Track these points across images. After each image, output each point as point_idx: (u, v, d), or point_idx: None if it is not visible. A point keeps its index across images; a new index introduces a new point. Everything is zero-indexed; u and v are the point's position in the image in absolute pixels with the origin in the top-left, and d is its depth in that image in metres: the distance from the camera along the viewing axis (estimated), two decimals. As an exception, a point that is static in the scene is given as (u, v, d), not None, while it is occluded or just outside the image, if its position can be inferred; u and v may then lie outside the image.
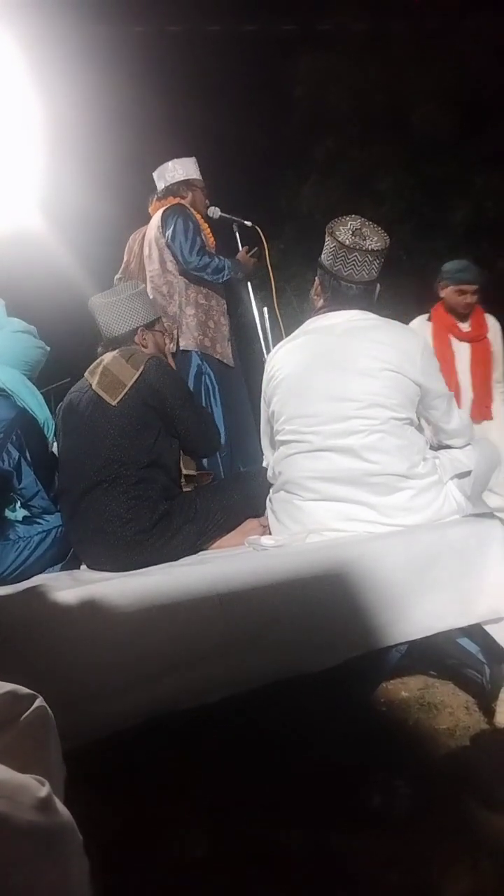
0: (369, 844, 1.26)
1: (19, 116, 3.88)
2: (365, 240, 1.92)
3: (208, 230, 3.35)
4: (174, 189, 3.35)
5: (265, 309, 3.63)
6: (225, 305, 3.39)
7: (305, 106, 10.32)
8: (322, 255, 2.00)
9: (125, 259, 3.50)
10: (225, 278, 3.26)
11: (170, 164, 3.40)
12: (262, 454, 2.31)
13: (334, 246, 1.94)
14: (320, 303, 2.03)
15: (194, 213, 3.27)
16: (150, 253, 3.34)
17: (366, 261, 1.92)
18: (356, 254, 1.91)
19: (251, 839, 1.29)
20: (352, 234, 1.92)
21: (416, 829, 1.29)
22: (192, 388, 3.03)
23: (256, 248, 3.44)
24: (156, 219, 3.31)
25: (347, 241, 1.91)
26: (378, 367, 1.84)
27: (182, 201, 3.30)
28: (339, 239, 1.92)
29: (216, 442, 2.30)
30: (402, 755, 1.57)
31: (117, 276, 3.46)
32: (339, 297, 1.98)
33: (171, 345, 3.11)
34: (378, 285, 2.02)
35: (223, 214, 3.42)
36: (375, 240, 1.92)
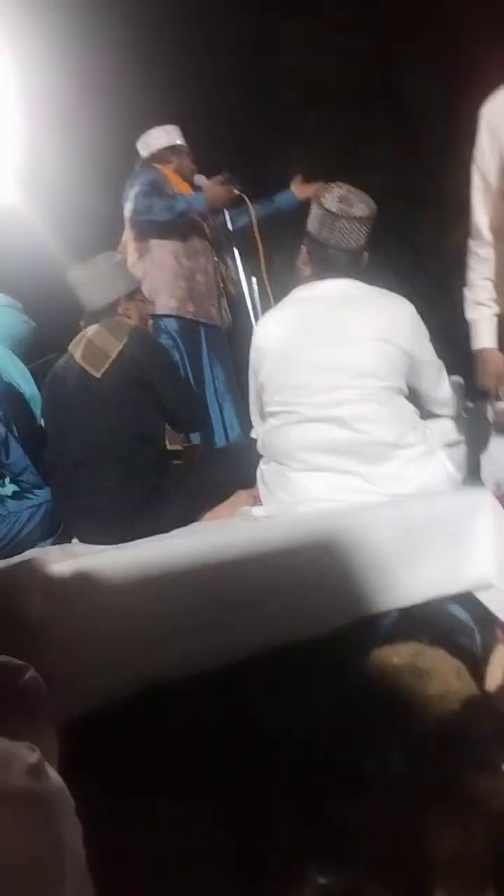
0: (361, 808, 1.28)
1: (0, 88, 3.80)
2: (352, 206, 1.88)
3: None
4: (159, 156, 3.26)
5: (253, 279, 3.58)
6: (206, 264, 3.27)
7: (294, 73, 10.15)
8: (308, 223, 1.96)
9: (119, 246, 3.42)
10: (178, 213, 3.07)
11: (153, 130, 3.31)
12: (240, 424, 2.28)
13: (321, 213, 1.90)
14: (307, 272, 2.00)
15: (173, 177, 3.18)
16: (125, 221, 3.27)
17: (353, 228, 1.89)
18: (343, 221, 1.87)
19: (243, 804, 1.31)
20: (338, 201, 1.88)
21: (407, 792, 1.31)
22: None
23: (228, 174, 3.22)
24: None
25: (334, 209, 1.87)
26: (367, 335, 1.82)
27: (165, 168, 3.22)
28: (326, 206, 1.88)
29: (201, 416, 2.28)
30: (394, 720, 1.59)
31: None
32: (327, 266, 1.94)
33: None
34: (366, 253, 1.99)
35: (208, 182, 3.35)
36: (362, 206, 1.89)
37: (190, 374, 3.09)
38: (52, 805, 0.63)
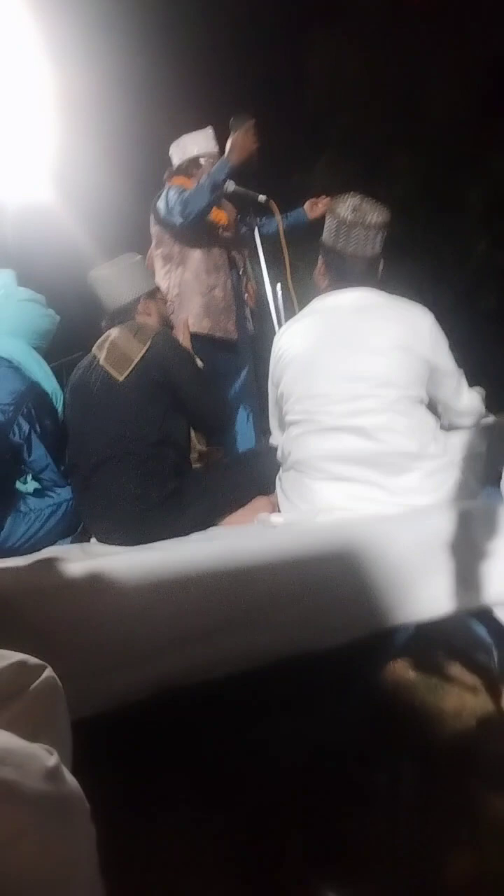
0: (373, 824, 1.26)
1: (29, 86, 3.84)
2: (366, 214, 1.88)
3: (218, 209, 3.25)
4: (183, 168, 3.27)
5: (278, 285, 3.58)
6: (226, 280, 3.27)
7: (320, 81, 10.17)
8: (324, 235, 1.98)
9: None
10: (218, 184, 2.92)
11: (181, 139, 3.32)
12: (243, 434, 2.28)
13: (336, 223, 1.91)
14: (325, 283, 2.01)
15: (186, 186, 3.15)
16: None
17: (368, 235, 1.90)
18: (358, 229, 1.88)
19: (254, 817, 1.30)
20: (352, 210, 1.89)
21: (421, 810, 1.30)
22: None
23: (236, 116, 2.95)
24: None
25: (349, 218, 1.88)
26: (387, 344, 1.82)
27: (188, 181, 3.20)
28: (341, 216, 1.89)
29: (224, 419, 2.28)
30: (409, 736, 1.58)
31: None
32: (345, 275, 1.95)
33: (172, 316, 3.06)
34: (382, 260, 1.99)
35: (237, 188, 3.35)
36: (376, 213, 1.89)
37: None
38: (68, 809, 0.63)
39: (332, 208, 1.93)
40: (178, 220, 3.03)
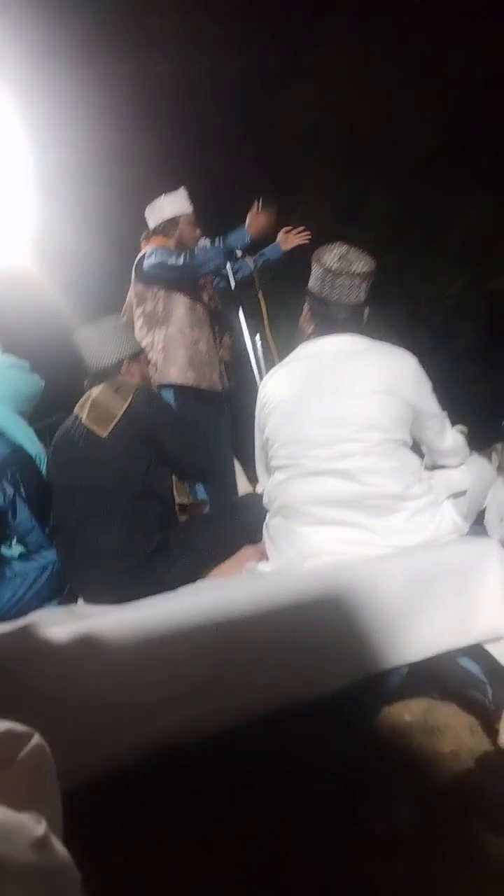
0: (373, 870, 1.24)
1: (11, 156, 3.95)
2: (351, 264, 1.94)
3: None
4: (160, 229, 3.37)
5: (257, 336, 3.65)
6: (209, 333, 3.36)
7: (292, 135, 10.49)
8: (310, 283, 2.02)
9: (125, 305, 3.53)
10: (230, 251, 3.17)
11: (157, 201, 3.42)
12: (239, 482, 2.31)
13: (321, 272, 1.97)
14: (310, 329, 2.05)
15: (168, 246, 3.27)
16: (131, 296, 3.38)
17: (353, 284, 1.95)
18: (343, 277, 1.94)
19: (255, 866, 1.28)
20: (338, 260, 1.95)
21: (420, 853, 1.28)
22: None
23: (263, 199, 3.24)
24: (135, 263, 3.35)
25: (334, 266, 1.94)
26: (371, 389, 1.85)
27: (166, 240, 3.31)
28: (326, 265, 1.95)
29: (205, 468, 2.30)
30: (406, 779, 1.56)
31: None
32: (329, 322, 1.99)
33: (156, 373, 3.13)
34: (367, 308, 2.04)
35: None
36: (362, 263, 1.95)
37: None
38: (58, 880, 0.63)
39: (318, 257, 1.98)
40: (184, 272, 3.14)
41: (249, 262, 3.48)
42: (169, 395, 3.17)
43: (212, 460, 3.12)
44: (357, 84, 9.87)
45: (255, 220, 3.18)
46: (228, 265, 3.40)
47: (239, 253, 3.27)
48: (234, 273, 3.50)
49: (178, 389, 3.20)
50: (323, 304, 1.99)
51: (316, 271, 2.00)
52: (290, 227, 3.54)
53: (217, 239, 3.25)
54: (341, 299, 1.96)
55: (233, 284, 3.50)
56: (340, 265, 1.94)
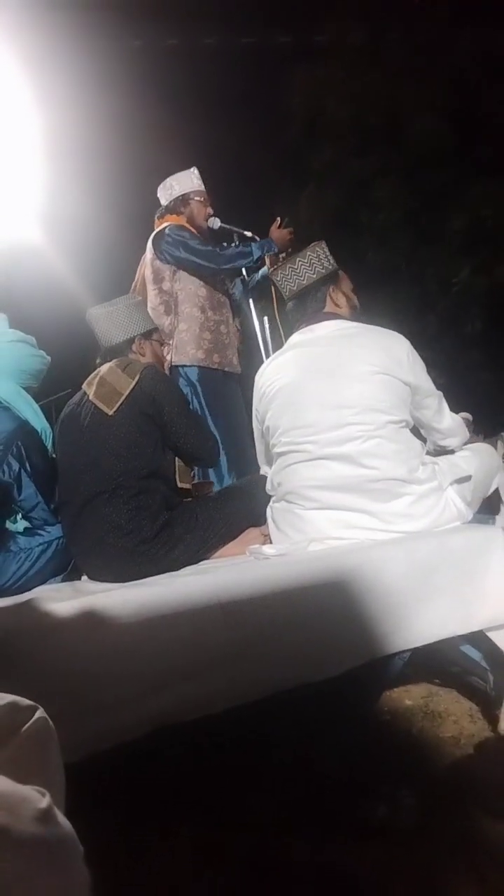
0: (374, 856, 1.25)
1: (20, 132, 3.92)
2: (293, 257, 2.13)
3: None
4: (171, 207, 3.41)
5: (265, 318, 3.64)
6: (228, 315, 3.42)
7: (303, 116, 10.39)
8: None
9: (134, 281, 3.53)
10: (256, 259, 3.31)
11: (168, 180, 3.45)
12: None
13: (278, 280, 2.15)
14: (299, 324, 2.12)
15: (188, 227, 3.32)
16: (147, 273, 3.39)
17: (301, 265, 2.09)
18: (288, 267, 2.12)
19: (254, 851, 1.28)
20: (280, 265, 2.17)
21: (420, 839, 1.28)
22: None
23: (287, 218, 3.46)
24: (150, 241, 3.37)
25: (279, 269, 2.15)
26: (368, 370, 1.85)
27: (179, 218, 3.35)
28: (277, 275, 2.15)
29: (214, 451, 2.29)
30: (407, 765, 1.56)
31: None
32: (307, 308, 2.09)
33: (168, 357, 3.16)
34: (339, 273, 2.14)
35: (223, 225, 3.45)
36: (300, 251, 2.13)
37: (209, 418, 3.20)
38: (61, 852, 0.62)
39: (273, 278, 2.21)
40: (209, 259, 3.24)
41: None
42: (193, 375, 3.26)
43: (235, 440, 3.22)
44: (366, 67, 9.78)
45: (280, 233, 3.38)
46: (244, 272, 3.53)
47: (215, 223, 3.44)
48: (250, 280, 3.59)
49: (203, 370, 3.27)
50: (292, 297, 2.13)
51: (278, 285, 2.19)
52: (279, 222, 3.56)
53: (234, 243, 3.37)
54: (300, 282, 2.10)
55: (245, 275, 3.58)
56: (281, 264, 2.16)
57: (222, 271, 3.32)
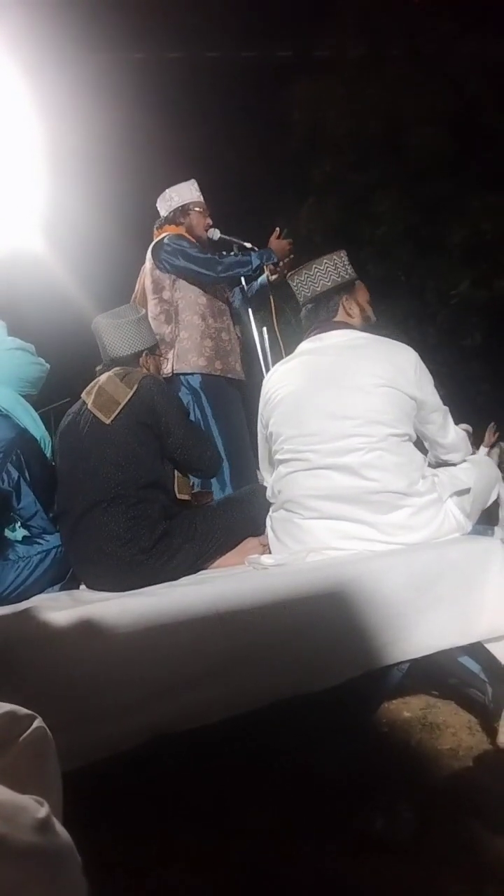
0: (371, 868, 1.24)
1: (22, 141, 3.94)
2: (310, 264, 2.11)
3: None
4: (171, 217, 3.42)
5: (264, 329, 3.65)
6: (229, 322, 3.42)
7: (303, 129, 10.46)
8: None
9: (134, 292, 3.54)
10: (255, 268, 3.30)
11: (167, 192, 3.46)
12: (260, 474, 2.33)
13: (294, 285, 2.15)
14: (310, 331, 2.11)
15: (187, 237, 3.33)
16: (147, 283, 3.40)
17: (318, 272, 2.08)
18: (304, 272, 2.10)
19: (252, 859, 1.27)
20: (298, 270, 2.15)
21: (418, 852, 1.28)
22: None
23: (287, 230, 3.46)
24: (149, 251, 3.38)
25: (296, 274, 2.13)
26: (374, 382, 1.86)
27: (178, 228, 3.36)
28: (294, 280, 2.14)
29: (214, 462, 2.29)
30: (405, 776, 1.56)
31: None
32: (319, 315, 2.08)
33: (169, 365, 3.17)
34: (355, 283, 2.13)
35: (223, 236, 3.45)
36: (313, 262, 2.11)
37: (213, 425, 3.21)
38: (59, 862, 0.62)
39: (290, 280, 2.18)
40: (207, 266, 3.23)
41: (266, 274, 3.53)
42: (196, 382, 3.26)
43: (238, 447, 3.21)
44: (366, 80, 9.86)
45: (279, 244, 3.37)
46: (243, 281, 3.52)
47: (215, 234, 3.43)
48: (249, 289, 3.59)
49: (206, 377, 3.27)
50: (305, 303, 2.12)
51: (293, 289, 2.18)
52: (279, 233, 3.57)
53: (233, 253, 3.35)
54: (314, 289, 2.09)
55: (244, 285, 3.57)
56: (299, 269, 2.13)
57: (221, 279, 3.32)
